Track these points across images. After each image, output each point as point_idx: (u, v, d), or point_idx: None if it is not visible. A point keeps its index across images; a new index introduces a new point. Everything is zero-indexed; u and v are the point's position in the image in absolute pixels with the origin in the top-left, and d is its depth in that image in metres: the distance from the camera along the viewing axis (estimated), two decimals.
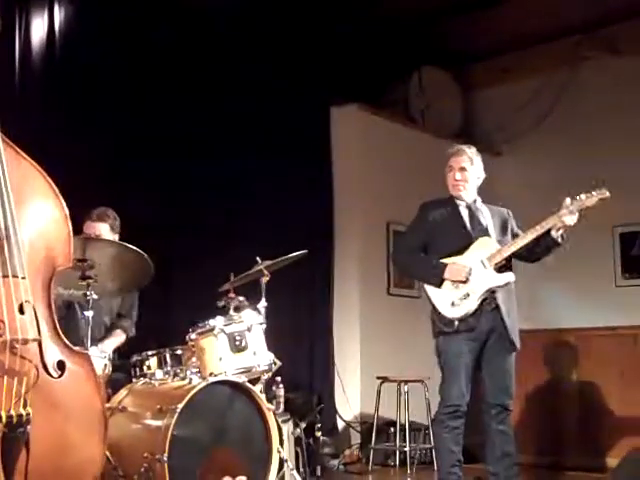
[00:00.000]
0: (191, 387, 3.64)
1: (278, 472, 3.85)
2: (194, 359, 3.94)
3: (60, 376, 2.45)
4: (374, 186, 6.86)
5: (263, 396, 3.90)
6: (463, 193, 4.31)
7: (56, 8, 5.12)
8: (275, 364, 4.03)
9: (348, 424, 6.37)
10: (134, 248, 3.69)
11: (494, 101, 7.88)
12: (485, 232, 4.22)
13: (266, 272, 4.31)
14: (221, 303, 4.13)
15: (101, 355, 3.79)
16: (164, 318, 5.13)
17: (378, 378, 6.12)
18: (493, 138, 7.94)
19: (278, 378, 4.45)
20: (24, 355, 2.36)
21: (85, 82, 5.10)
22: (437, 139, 7.44)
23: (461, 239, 4.18)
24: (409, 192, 7.07)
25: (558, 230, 4.13)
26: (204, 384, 3.67)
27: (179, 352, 4.03)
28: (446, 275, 4.09)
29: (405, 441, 5.92)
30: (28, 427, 2.30)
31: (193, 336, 3.93)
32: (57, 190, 2.64)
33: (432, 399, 6.21)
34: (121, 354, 4.42)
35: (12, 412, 2.27)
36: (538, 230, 4.13)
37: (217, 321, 3.91)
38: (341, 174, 6.74)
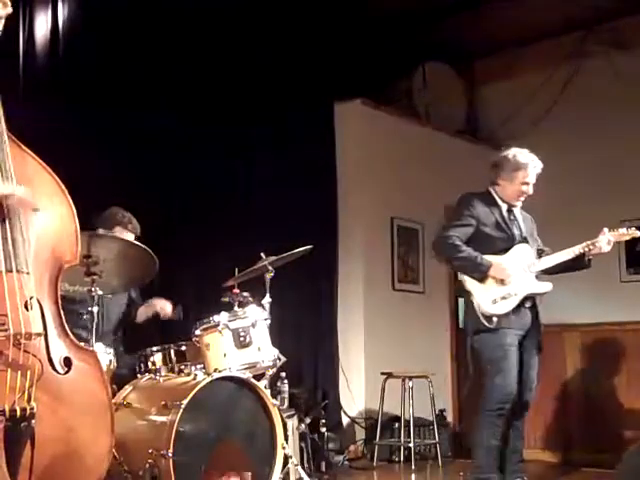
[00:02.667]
0: (196, 383, 3.64)
1: (283, 468, 3.85)
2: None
3: (67, 372, 2.46)
4: (378, 181, 6.85)
5: (268, 392, 3.90)
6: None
7: (60, 4, 5.12)
8: (280, 360, 4.03)
9: (353, 420, 6.37)
10: (139, 244, 3.70)
11: (498, 97, 7.86)
12: (524, 239, 4.33)
13: (270, 268, 4.31)
14: (225, 299, 4.13)
15: (106, 351, 3.79)
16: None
17: (382, 374, 6.12)
18: (497, 134, 7.92)
19: (283, 374, 4.47)
20: (29, 350, 2.36)
21: (88, 78, 5.09)
22: (441, 134, 7.44)
23: (503, 241, 4.27)
24: (413, 187, 7.09)
25: (590, 254, 4.29)
26: (208, 380, 3.67)
27: (184, 348, 4.03)
28: (491, 272, 4.15)
29: (410, 437, 5.92)
30: (32, 422, 2.30)
31: (198, 332, 3.94)
32: (64, 187, 2.64)
33: (436, 394, 6.23)
34: (126, 350, 4.43)
35: (16, 406, 2.27)
36: (575, 252, 4.27)
37: (221, 317, 3.91)
38: (345, 169, 6.73)
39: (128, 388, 3.89)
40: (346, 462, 5.97)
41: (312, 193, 6.39)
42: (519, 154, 4.39)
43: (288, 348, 4.21)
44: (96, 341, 3.55)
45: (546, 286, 4.30)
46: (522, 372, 4.23)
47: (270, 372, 4.07)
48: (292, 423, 4.69)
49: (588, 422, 6.26)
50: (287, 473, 3.99)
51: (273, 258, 4.33)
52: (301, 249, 4.39)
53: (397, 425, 6.11)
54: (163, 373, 3.97)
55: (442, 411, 6.60)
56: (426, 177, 7.22)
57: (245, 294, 4.15)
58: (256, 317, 4.00)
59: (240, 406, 3.77)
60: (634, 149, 6.86)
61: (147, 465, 3.45)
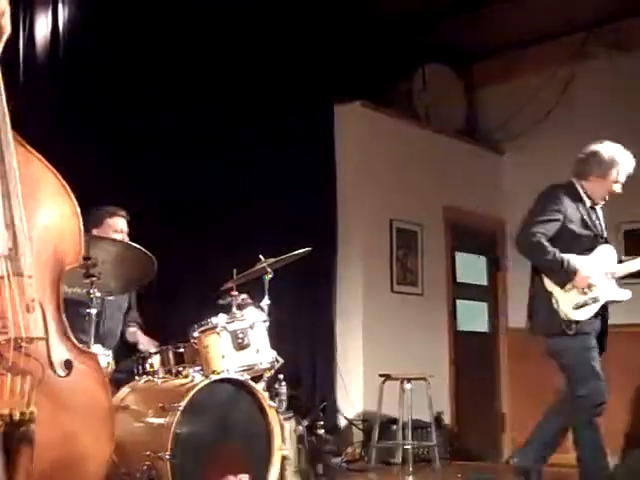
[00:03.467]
0: (193, 385, 3.64)
1: (280, 470, 3.85)
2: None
3: (67, 375, 2.45)
4: (377, 183, 6.86)
5: (266, 394, 3.89)
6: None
7: (60, 6, 5.12)
8: (278, 362, 4.03)
9: (350, 422, 6.37)
10: (137, 246, 3.69)
11: (497, 99, 7.87)
12: (606, 240, 4.22)
13: (269, 270, 4.31)
14: (224, 301, 4.13)
15: (105, 353, 3.79)
16: (167, 316, 5.13)
17: (381, 376, 6.11)
18: (496, 136, 7.94)
19: (281, 376, 4.46)
20: (30, 353, 2.35)
21: (88, 79, 5.09)
22: (440, 136, 7.45)
23: (589, 240, 4.14)
24: (412, 189, 7.09)
25: None
26: (206, 382, 3.66)
27: (182, 350, 4.03)
28: (575, 281, 4.02)
29: (407, 439, 5.92)
30: (32, 426, 2.29)
31: (196, 334, 3.93)
32: (68, 187, 2.62)
33: (434, 397, 6.23)
34: (124, 352, 4.43)
35: (16, 410, 2.27)
36: None
37: (220, 319, 3.91)
38: (344, 171, 6.73)
39: (126, 390, 3.88)
40: (344, 464, 5.97)
41: (311, 195, 6.40)
42: (616, 150, 4.20)
43: (286, 350, 4.20)
44: (95, 343, 3.55)
45: (626, 294, 4.15)
46: None
47: (268, 374, 4.06)
48: (290, 425, 4.68)
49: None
50: (284, 475, 3.98)
51: (272, 260, 4.32)
52: (300, 251, 4.39)
53: (395, 427, 6.11)
54: (161, 375, 3.96)
55: (440, 413, 6.60)
56: (425, 179, 7.23)
57: (244, 296, 4.15)
58: (254, 319, 4.00)
59: (238, 408, 3.77)
60: (634, 152, 6.85)
61: (144, 467, 3.45)
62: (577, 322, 4.02)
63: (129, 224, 4.38)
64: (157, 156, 5.41)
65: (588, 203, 4.21)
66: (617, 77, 7.07)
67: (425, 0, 6.69)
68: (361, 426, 6.36)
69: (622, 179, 4.18)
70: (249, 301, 4.16)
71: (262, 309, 4.17)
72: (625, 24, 6.90)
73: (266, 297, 4.26)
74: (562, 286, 4.03)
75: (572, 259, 4.05)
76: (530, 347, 7.49)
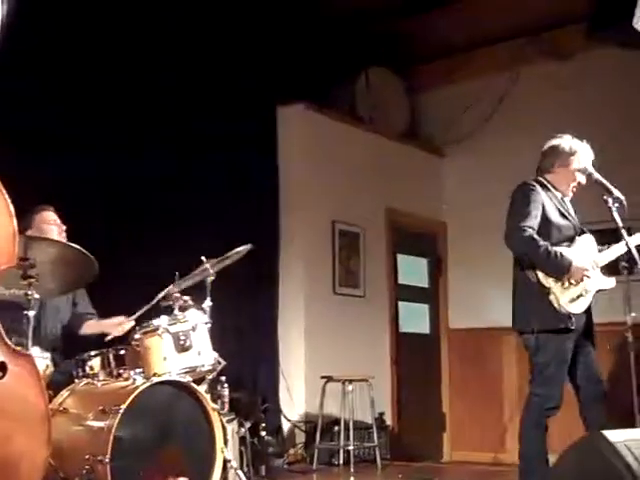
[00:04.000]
0: (134, 388, 3.60)
1: (222, 472, 3.84)
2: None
3: (1, 377, 2.40)
4: (320, 185, 6.88)
5: (208, 396, 3.88)
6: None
7: None
8: (220, 363, 4.02)
9: (293, 423, 6.38)
10: (77, 247, 3.63)
11: (439, 102, 7.96)
12: (583, 230, 4.20)
13: (211, 271, 4.30)
14: (166, 303, 4.10)
15: (42, 355, 3.73)
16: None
17: (323, 377, 6.13)
18: (438, 139, 8.03)
19: (223, 378, 4.43)
20: None
21: (28, 76, 4.98)
22: (383, 139, 7.50)
23: (569, 229, 4.14)
24: (355, 191, 7.13)
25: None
26: (148, 384, 3.63)
27: (123, 352, 3.98)
28: (570, 273, 3.98)
29: (349, 440, 5.95)
30: None
31: (137, 336, 3.90)
32: (1, 186, 2.57)
33: (376, 398, 6.27)
34: (63, 354, 4.35)
35: None
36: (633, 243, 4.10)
37: (162, 321, 3.88)
38: (287, 173, 6.73)
39: (65, 393, 3.82)
40: (286, 465, 5.98)
41: (254, 197, 6.38)
42: (574, 141, 4.26)
43: (228, 352, 4.19)
44: (33, 345, 3.49)
45: (611, 281, 4.15)
46: (586, 367, 4.13)
47: (210, 376, 4.05)
48: (232, 427, 4.68)
49: None
50: (226, 477, 3.97)
51: (213, 261, 4.31)
52: (240, 249, 4.36)
53: (337, 428, 6.13)
54: (101, 378, 3.91)
55: (381, 414, 6.65)
56: (368, 181, 7.28)
57: (185, 298, 4.12)
58: (196, 321, 3.98)
59: (180, 410, 3.75)
60: None
61: (84, 471, 3.41)
62: (574, 315, 4.01)
63: (65, 222, 4.30)
64: (96, 154, 5.32)
65: (559, 195, 4.25)
66: (554, 83, 7.22)
67: (369, 3, 6.73)
68: (303, 428, 6.36)
69: (583, 166, 4.21)
70: (191, 303, 4.14)
71: (204, 311, 4.15)
72: (561, 32, 7.05)
73: (208, 299, 4.24)
74: (558, 280, 4.00)
75: (564, 251, 4.05)
76: (470, 348, 7.67)
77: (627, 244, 3.97)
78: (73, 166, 5.15)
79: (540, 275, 4.04)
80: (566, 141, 4.27)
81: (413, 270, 7.92)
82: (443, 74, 7.83)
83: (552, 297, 4.00)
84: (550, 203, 4.16)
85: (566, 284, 4.02)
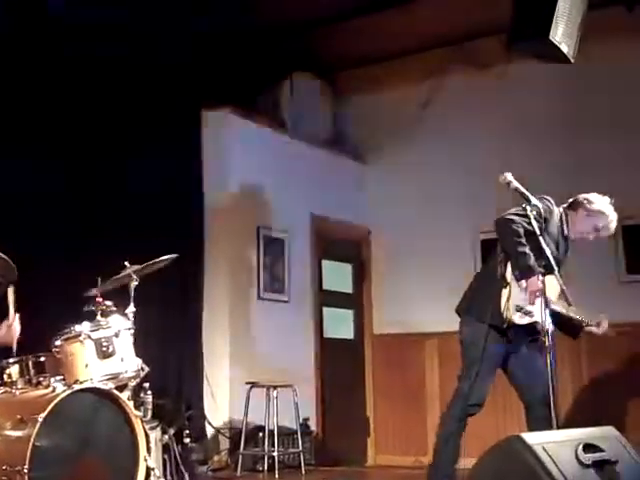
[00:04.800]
0: (55, 395, 3.53)
1: None
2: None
3: None
4: (245, 190, 6.86)
5: (131, 403, 3.83)
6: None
7: None
8: (143, 370, 3.98)
9: (217, 430, 6.33)
10: None
11: (363, 110, 8.04)
12: (559, 271, 4.21)
13: (134, 276, 4.24)
14: (88, 308, 4.03)
15: None
16: (26, 323, 4.93)
17: (247, 383, 6.11)
18: (361, 146, 8.11)
19: (146, 384, 4.39)
20: None
21: None
22: (307, 145, 7.53)
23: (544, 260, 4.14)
24: (280, 197, 7.14)
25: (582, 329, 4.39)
26: (69, 392, 3.57)
27: (43, 359, 3.89)
28: (529, 280, 4.06)
29: (274, 446, 5.94)
30: None
31: (58, 342, 3.83)
32: None
33: (301, 404, 6.28)
34: None
35: None
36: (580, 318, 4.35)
37: (83, 326, 3.83)
38: (212, 177, 6.69)
39: None
40: (210, 472, 5.94)
41: (178, 201, 6.33)
42: (604, 205, 4.38)
43: (152, 358, 4.15)
44: None
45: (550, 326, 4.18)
46: (529, 370, 4.23)
47: (133, 383, 3.99)
48: (155, 434, 4.62)
49: None
50: None
51: (137, 267, 4.26)
52: (164, 257, 4.34)
53: (261, 434, 6.12)
54: (20, 386, 3.82)
55: (306, 420, 6.67)
56: (292, 187, 7.29)
57: (108, 303, 4.06)
58: (119, 327, 3.93)
59: (102, 418, 3.69)
60: (492, 166, 7.18)
61: None
62: (507, 323, 4.13)
63: None
64: (21, 161, 5.20)
65: (565, 231, 4.39)
66: (477, 92, 7.38)
67: (296, 9, 6.75)
68: (228, 434, 6.33)
69: (603, 232, 4.41)
70: (114, 308, 4.08)
71: (127, 316, 4.10)
72: (482, 42, 7.19)
73: (132, 304, 4.18)
74: (518, 279, 4.11)
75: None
76: (394, 353, 7.75)
77: (545, 251, 4.08)
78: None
79: (507, 272, 4.17)
80: (597, 203, 4.38)
81: (338, 276, 7.96)
82: (366, 82, 7.91)
83: (505, 293, 4.14)
84: (553, 228, 4.29)
85: (523, 294, 4.13)
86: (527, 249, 4.10)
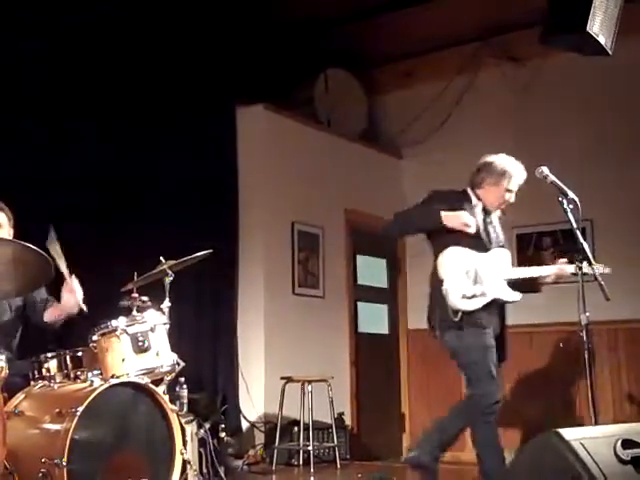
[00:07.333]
0: (92, 389, 3.56)
1: (181, 474, 3.81)
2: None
3: None
4: (280, 186, 6.88)
5: (166, 397, 3.85)
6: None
7: None
8: (179, 365, 3.99)
9: (252, 424, 6.36)
10: (34, 248, 3.58)
11: (397, 104, 8.02)
12: (501, 244, 4.32)
13: (170, 272, 4.27)
14: (124, 303, 4.06)
15: None
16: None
17: (282, 378, 6.13)
18: (396, 141, 8.08)
19: (182, 379, 4.42)
20: None
21: None
22: (341, 140, 7.53)
23: (480, 241, 4.24)
24: (314, 192, 7.15)
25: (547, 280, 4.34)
26: (106, 386, 3.59)
27: (80, 354, 3.93)
28: (444, 220, 4.11)
29: (309, 440, 5.96)
30: None
31: (95, 337, 3.85)
32: None
33: (335, 398, 6.29)
34: (18, 356, 4.28)
35: None
36: (550, 271, 4.30)
37: (119, 321, 3.84)
38: (246, 173, 6.72)
39: (20, 396, 3.76)
40: (245, 466, 5.96)
41: (213, 197, 6.37)
42: (506, 161, 4.39)
43: (187, 353, 4.16)
44: None
45: (515, 295, 4.28)
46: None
47: (169, 377, 4.02)
48: (191, 428, 4.65)
49: None
50: (186, 479, 3.95)
51: (172, 262, 4.28)
52: (200, 253, 4.36)
53: (296, 429, 6.14)
54: (58, 380, 3.85)
55: (341, 414, 6.66)
56: (327, 182, 7.29)
57: (144, 298, 4.09)
58: (155, 321, 3.95)
59: (138, 412, 3.71)
60: (528, 157, 7.09)
61: (40, 475, 3.36)
62: (462, 312, 4.12)
63: (17, 220, 4.22)
64: (58, 154, 5.26)
65: (480, 206, 4.38)
66: (509, 85, 7.32)
67: (329, 5, 6.75)
68: (263, 428, 6.35)
69: (514, 188, 4.38)
70: (149, 303, 4.10)
71: (163, 311, 4.12)
72: (516, 35, 7.12)
73: (167, 299, 4.21)
74: (437, 225, 4.13)
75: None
76: (429, 348, 7.69)
77: (582, 244, 4.03)
78: (30, 164, 5.09)
79: (441, 263, 4.19)
80: (500, 161, 4.40)
81: (372, 271, 7.95)
82: (401, 77, 7.89)
83: (444, 289, 4.15)
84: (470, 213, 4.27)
85: (463, 279, 4.12)
86: (405, 210, 4.29)
